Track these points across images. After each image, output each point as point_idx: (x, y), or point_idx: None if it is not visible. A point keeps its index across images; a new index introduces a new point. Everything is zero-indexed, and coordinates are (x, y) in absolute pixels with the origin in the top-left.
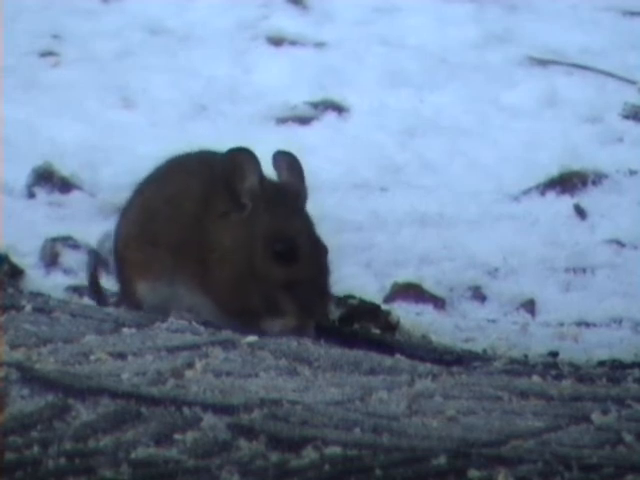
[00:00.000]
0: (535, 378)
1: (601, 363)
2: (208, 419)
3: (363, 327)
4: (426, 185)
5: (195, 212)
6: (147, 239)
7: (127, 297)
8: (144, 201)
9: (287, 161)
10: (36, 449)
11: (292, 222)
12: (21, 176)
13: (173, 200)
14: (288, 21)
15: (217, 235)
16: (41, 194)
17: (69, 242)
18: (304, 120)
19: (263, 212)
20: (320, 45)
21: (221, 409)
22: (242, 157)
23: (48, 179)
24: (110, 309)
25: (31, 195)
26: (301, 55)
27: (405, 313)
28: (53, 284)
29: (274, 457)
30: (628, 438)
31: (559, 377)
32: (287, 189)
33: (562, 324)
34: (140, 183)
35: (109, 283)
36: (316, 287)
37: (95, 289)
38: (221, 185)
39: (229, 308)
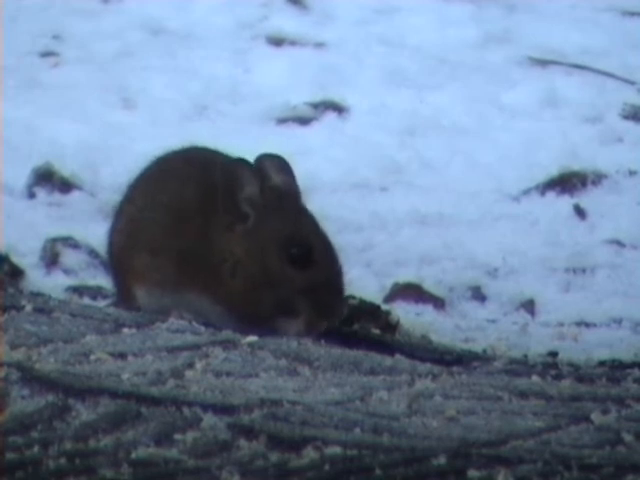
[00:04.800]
0: (535, 378)
1: (601, 363)
2: (208, 419)
3: (363, 327)
4: (426, 185)
5: (196, 221)
6: (144, 248)
7: (125, 302)
8: (137, 209)
9: (277, 164)
10: (36, 449)
11: (303, 225)
12: (21, 176)
13: (169, 209)
14: (288, 21)
15: (227, 246)
16: (41, 194)
17: (69, 242)
18: (304, 120)
19: (270, 218)
20: (320, 45)
21: (221, 409)
22: (239, 169)
23: (48, 179)
24: (110, 309)
25: (31, 195)
26: (301, 55)
27: (405, 313)
28: (53, 284)
29: (274, 457)
30: (628, 438)
31: (559, 377)
32: (286, 192)
33: (562, 324)
34: (130, 188)
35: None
36: (332, 288)
37: None
38: (219, 197)
39: (244, 315)
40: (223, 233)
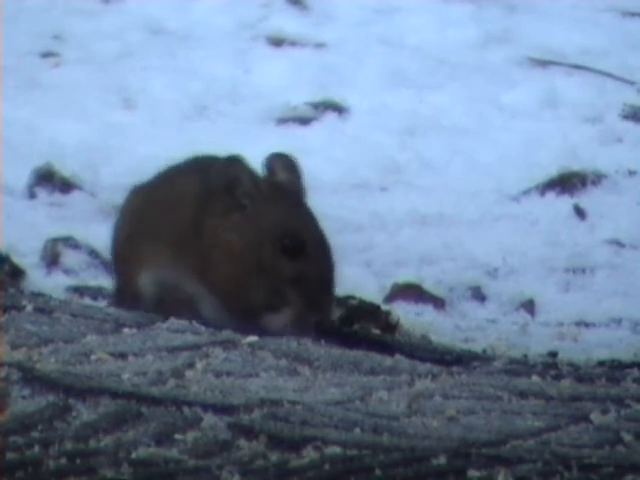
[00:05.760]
0: (534, 378)
1: (600, 363)
2: (208, 419)
3: (363, 327)
4: (426, 185)
5: (193, 210)
6: (146, 235)
7: (126, 293)
8: (141, 201)
9: (284, 162)
10: (37, 449)
11: (298, 216)
12: (22, 176)
13: (171, 198)
14: (288, 21)
15: (220, 233)
16: (42, 194)
17: (70, 242)
18: (304, 120)
19: (266, 208)
20: (320, 45)
21: (221, 409)
22: (234, 166)
23: (49, 179)
24: (111, 309)
25: (32, 195)
26: (301, 55)
27: (405, 313)
28: (54, 284)
29: (274, 457)
30: (627, 438)
31: (558, 377)
32: (285, 186)
33: (562, 324)
34: (135, 186)
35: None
36: (323, 282)
37: None
38: (221, 190)
39: (232, 304)
40: (219, 219)
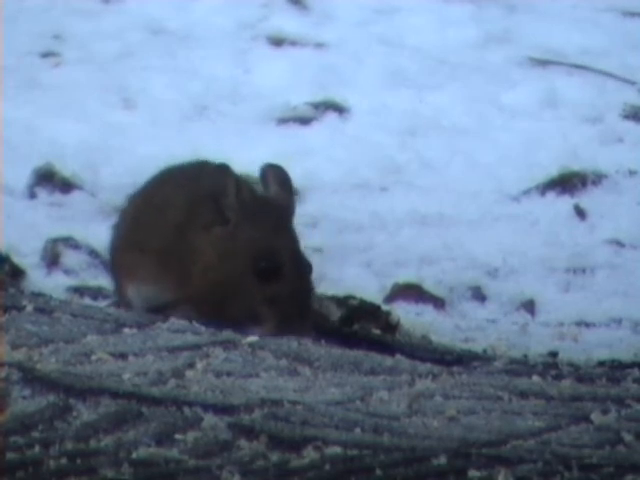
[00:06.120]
0: (535, 378)
1: (601, 363)
2: (209, 419)
3: (363, 327)
4: (426, 185)
5: (179, 221)
6: (135, 244)
7: (120, 300)
8: (133, 209)
9: (276, 174)
10: (37, 449)
11: (276, 239)
12: (22, 177)
13: (159, 208)
14: (288, 21)
15: (200, 247)
16: (42, 194)
17: (70, 242)
18: (304, 120)
19: (246, 227)
20: (320, 45)
21: (222, 409)
22: (222, 174)
23: (49, 179)
24: (111, 309)
25: (32, 195)
26: (301, 55)
27: (405, 313)
28: (54, 284)
29: (275, 457)
30: (628, 438)
31: (559, 377)
32: (272, 203)
33: (562, 324)
34: (133, 193)
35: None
36: (297, 305)
37: None
38: (207, 200)
39: (208, 318)
40: (202, 232)
